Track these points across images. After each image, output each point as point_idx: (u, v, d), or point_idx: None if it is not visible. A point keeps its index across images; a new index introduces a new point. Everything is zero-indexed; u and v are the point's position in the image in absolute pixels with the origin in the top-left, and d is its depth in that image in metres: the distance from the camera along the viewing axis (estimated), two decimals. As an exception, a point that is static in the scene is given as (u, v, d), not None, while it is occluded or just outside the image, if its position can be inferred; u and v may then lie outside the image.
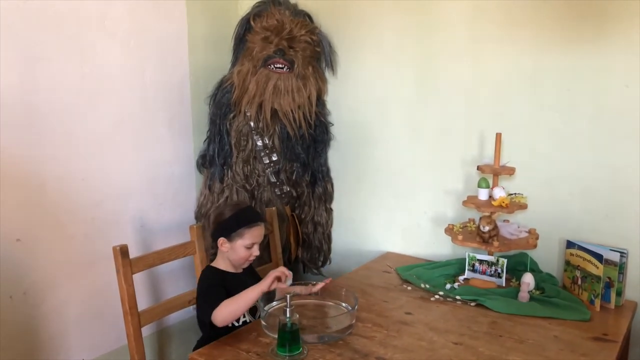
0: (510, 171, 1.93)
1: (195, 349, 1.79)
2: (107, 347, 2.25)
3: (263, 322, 1.63)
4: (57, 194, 2.03)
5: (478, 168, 1.99)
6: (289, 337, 1.48)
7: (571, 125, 1.94)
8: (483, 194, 1.96)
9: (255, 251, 1.78)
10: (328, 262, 2.60)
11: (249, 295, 1.62)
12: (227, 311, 1.62)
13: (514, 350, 1.52)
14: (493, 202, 1.88)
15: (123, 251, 1.78)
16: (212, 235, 1.83)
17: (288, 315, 1.47)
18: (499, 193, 1.88)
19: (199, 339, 1.84)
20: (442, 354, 1.50)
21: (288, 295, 1.48)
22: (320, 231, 2.54)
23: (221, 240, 1.78)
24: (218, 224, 1.81)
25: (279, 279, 1.65)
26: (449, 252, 2.26)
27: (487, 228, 1.85)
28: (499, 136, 1.93)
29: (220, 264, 1.83)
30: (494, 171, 1.93)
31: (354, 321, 1.63)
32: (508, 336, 1.61)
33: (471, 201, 1.95)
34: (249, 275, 1.83)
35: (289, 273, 1.68)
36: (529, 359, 1.48)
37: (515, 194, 1.94)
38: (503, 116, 2.07)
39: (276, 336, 1.54)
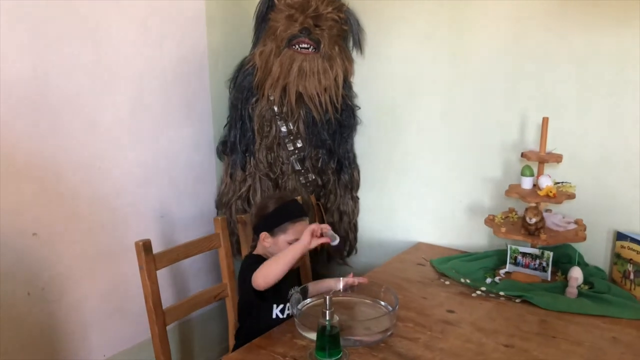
0: (558, 158, 1.79)
1: (235, 346, 1.71)
2: (129, 342, 2.17)
3: (297, 321, 1.53)
4: (74, 185, 1.93)
5: (522, 155, 1.85)
6: (329, 340, 1.37)
7: (623, 108, 1.80)
8: (527, 183, 1.83)
9: None
10: (354, 252, 2.49)
11: (290, 253, 1.54)
12: (266, 269, 1.54)
13: (571, 355, 1.41)
14: (539, 192, 1.76)
15: (146, 246, 1.68)
16: (254, 228, 1.74)
17: (328, 318, 1.37)
18: (545, 182, 1.76)
19: (237, 330, 1.75)
20: (494, 359, 1.39)
21: (327, 297, 1.37)
22: (346, 220, 2.42)
23: (263, 235, 1.68)
24: (261, 217, 1.71)
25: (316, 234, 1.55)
26: (486, 243, 2.14)
27: (534, 220, 1.72)
28: (545, 120, 1.79)
29: (261, 253, 1.73)
30: (540, 158, 1.80)
31: (395, 321, 1.53)
32: (562, 337, 1.50)
33: (515, 191, 1.82)
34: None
35: (325, 225, 1.59)
36: (589, 365, 1.37)
37: (562, 182, 1.81)
38: (547, 98, 1.93)
39: (312, 337, 1.45)
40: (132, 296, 2.10)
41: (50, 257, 1.88)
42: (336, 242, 1.58)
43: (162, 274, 2.07)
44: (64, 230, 1.91)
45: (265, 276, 1.54)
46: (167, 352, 1.71)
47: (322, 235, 1.57)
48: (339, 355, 1.38)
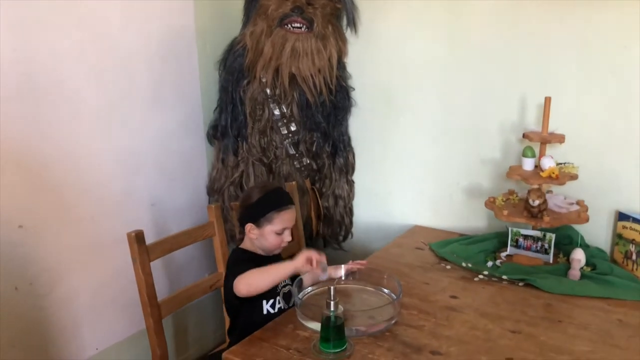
0: (561, 139, 1.76)
1: (230, 344, 1.66)
2: (122, 334, 2.12)
3: (298, 312, 1.48)
4: (61, 174, 1.85)
5: (524, 136, 1.82)
6: (334, 331, 1.33)
7: (626, 87, 1.76)
8: (528, 164, 1.80)
9: (287, 237, 1.62)
10: (350, 237, 2.45)
11: (280, 271, 1.47)
12: (252, 279, 1.47)
13: (578, 339, 1.39)
14: (541, 173, 1.72)
15: (139, 238, 1.61)
16: (239, 220, 1.66)
17: (332, 309, 1.32)
18: (548, 163, 1.72)
19: (229, 327, 1.70)
20: (502, 345, 1.37)
21: (331, 287, 1.33)
22: (341, 204, 2.37)
23: (249, 226, 1.61)
24: (245, 207, 1.64)
25: (311, 261, 1.48)
26: (485, 225, 2.11)
27: (537, 202, 1.69)
28: (548, 100, 1.75)
29: (249, 247, 1.67)
30: (543, 139, 1.76)
31: (399, 309, 1.49)
32: (568, 321, 1.47)
33: (516, 172, 1.79)
34: (279, 259, 1.67)
35: (322, 258, 1.50)
36: (598, 349, 1.34)
37: (564, 163, 1.78)
38: (548, 78, 1.88)
39: (314, 327, 1.41)
40: (124, 288, 2.04)
41: (38, 250, 1.81)
42: (324, 277, 1.52)
43: (155, 264, 2.00)
44: (51, 222, 1.84)
45: (248, 285, 1.48)
46: (163, 345, 1.67)
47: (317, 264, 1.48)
48: (344, 347, 1.34)
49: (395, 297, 1.53)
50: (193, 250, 2.30)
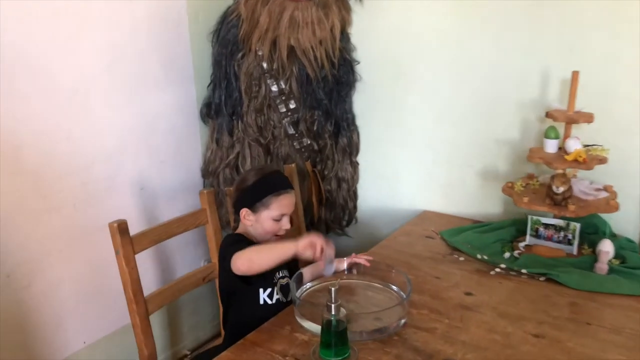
0: (589, 118, 1.58)
1: (225, 338, 1.53)
2: (111, 327, 1.99)
3: (297, 311, 1.34)
4: (37, 158, 1.69)
5: (547, 115, 1.64)
6: (335, 337, 1.19)
7: (662, 59, 1.58)
8: (552, 146, 1.63)
9: (285, 224, 1.47)
10: (354, 222, 2.29)
11: (281, 250, 1.33)
12: (253, 254, 1.34)
13: (610, 345, 1.24)
14: (566, 157, 1.55)
15: (122, 228, 1.46)
16: (234, 205, 1.52)
17: (333, 312, 1.17)
18: (574, 145, 1.55)
19: (223, 318, 1.57)
20: (525, 352, 1.22)
21: (332, 289, 1.18)
22: (344, 188, 2.21)
23: (244, 211, 1.47)
24: (240, 191, 1.49)
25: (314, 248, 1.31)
26: (500, 211, 1.95)
27: (561, 189, 1.53)
28: (575, 75, 1.57)
29: (244, 234, 1.52)
30: (568, 118, 1.58)
31: (407, 309, 1.34)
32: (598, 324, 1.32)
33: (538, 155, 1.62)
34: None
35: (329, 248, 1.33)
36: (635, 358, 1.19)
37: (592, 145, 1.60)
38: (574, 49, 1.70)
39: (314, 329, 1.27)
40: (111, 278, 1.86)
41: (13, 241, 1.66)
42: (330, 271, 1.36)
43: (144, 255, 1.86)
44: (28, 210, 1.68)
45: (249, 260, 1.34)
46: (150, 344, 1.53)
47: (322, 252, 1.32)
48: (347, 354, 1.20)
49: (404, 295, 1.38)
50: (187, 234, 2.16)
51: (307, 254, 1.32)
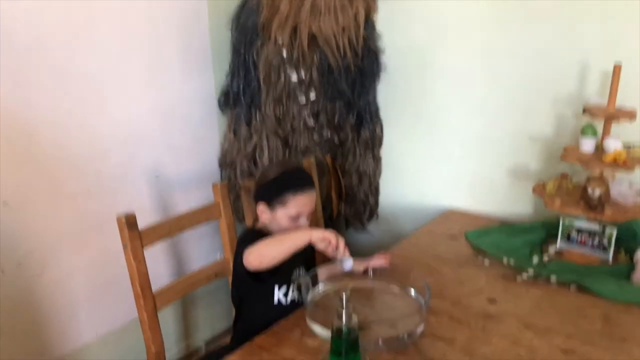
0: (631, 115, 1.46)
1: (232, 338, 1.48)
2: (124, 318, 1.96)
3: (307, 315, 1.27)
4: (50, 146, 1.66)
5: (584, 111, 1.52)
6: (346, 346, 1.11)
7: None
8: (588, 145, 1.51)
9: (303, 224, 1.39)
10: (375, 218, 2.20)
11: (294, 239, 1.27)
12: (263, 248, 1.27)
13: (648, 366, 1.13)
14: (604, 157, 1.44)
15: (130, 222, 1.41)
16: (253, 198, 1.47)
17: (344, 320, 1.10)
18: (613, 144, 1.43)
19: (234, 319, 1.51)
20: (551, 370, 1.12)
21: (344, 294, 1.10)
22: (366, 182, 2.13)
23: (261, 206, 1.41)
24: (260, 185, 1.44)
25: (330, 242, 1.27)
26: (529, 212, 1.84)
27: (598, 192, 1.41)
28: (617, 69, 1.44)
29: (263, 229, 1.46)
30: (608, 115, 1.46)
31: (425, 317, 1.26)
32: (634, 341, 1.21)
33: (573, 155, 1.50)
34: None
35: (341, 243, 1.28)
36: (675, 383, 1.09)
37: (633, 146, 1.48)
38: (616, 40, 1.57)
39: (325, 335, 1.19)
40: (125, 268, 1.84)
41: (25, 229, 1.64)
42: (349, 266, 1.31)
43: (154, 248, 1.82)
44: (40, 198, 1.66)
45: (260, 255, 1.28)
46: (158, 341, 1.48)
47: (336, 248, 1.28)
48: (358, 364, 1.12)
49: (422, 301, 1.30)
50: (203, 226, 2.11)
51: (321, 245, 1.28)
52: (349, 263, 1.32)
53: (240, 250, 1.36)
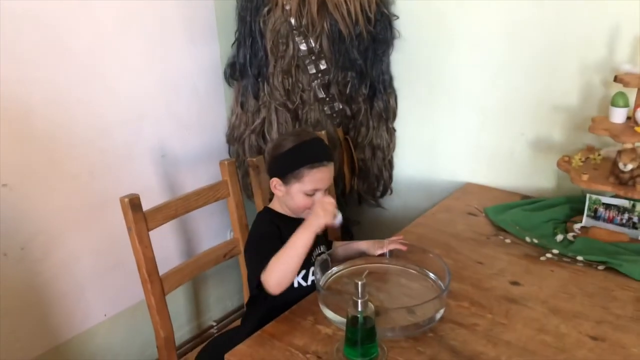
0: (667, 84, 1.35)
1: (245, 315, 1.43)
2: (133, 299, 1.92)
3: (320, 299, 1.21)
4: (49, 123, 1.59)
5: (616, 79, 1.41)
6: (362, 335, 1.05)
7: None
8: (619, 116, 1.41)
9: (318, 199, 1.31)
10: (389, 193, 2.13)
11: (301, 241, 1.19)
12: (278, 273, 1.18)
13: (685, 354, 1.06)
14: (637, 129, 1.34)
15: (133, 204, 1.35)
16: (267, 172, 1.38)
17: (360, 309, 1.04)
18: (647, 115, 1.33)
19: (248, 299, 1.45)
20: (580, 359, 1.05)
21: (359, 282, 1.03)
22: (380, 156, 2.04)
23: (274, 181, 1.33)
24: (274, 157, 1.34)
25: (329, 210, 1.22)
26: (553, 186, 1.75)
27: (629, 166, 1.32)
28: (654, 32, 1.33)
29: (277, 206, 1.39)
30: (642, 84, 1.36)
31: (445, 301, 1.19)
32: (668, 326, 1.14)
33: (602, 126, 1.40)
34: None
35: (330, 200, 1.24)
36: None
37: (668, 115, 1.38)
38: (651, 1, 1.45)
39: (338, 321, 1.14)
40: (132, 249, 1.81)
41: (27, 212, 1.58)
42: (338, 220, 1.25)
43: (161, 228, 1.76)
44: (41, 179, 1.60)
45: (278, 285, 1.19)
46: (166, 326, 1.44)
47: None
48: (375, 354, 1.06)
49: (442, 285, 1.23)
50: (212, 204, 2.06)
51: (328, 219, 1.21)
52: (339, 217, 1.24)
53: (251, 248, 1.32)
